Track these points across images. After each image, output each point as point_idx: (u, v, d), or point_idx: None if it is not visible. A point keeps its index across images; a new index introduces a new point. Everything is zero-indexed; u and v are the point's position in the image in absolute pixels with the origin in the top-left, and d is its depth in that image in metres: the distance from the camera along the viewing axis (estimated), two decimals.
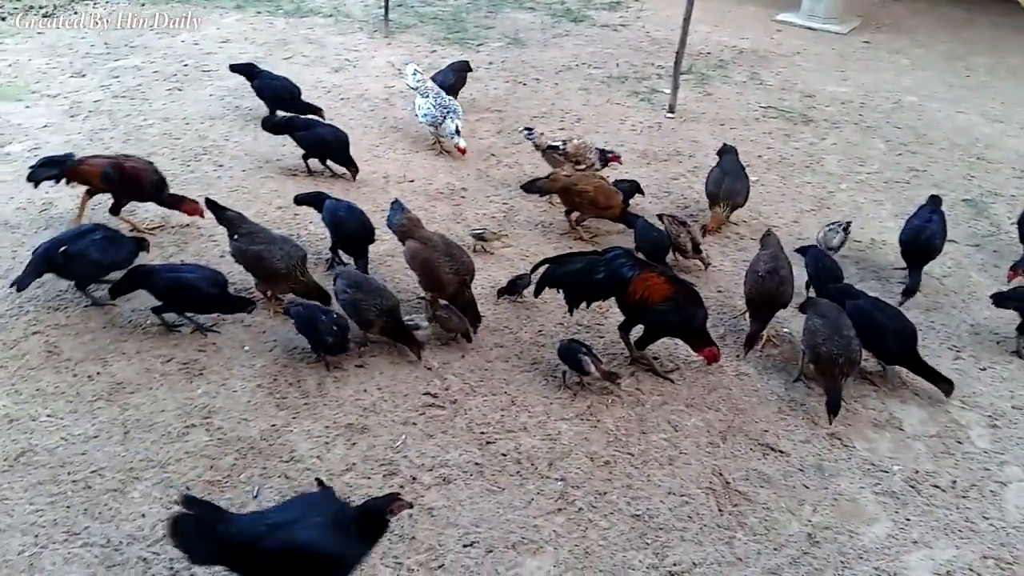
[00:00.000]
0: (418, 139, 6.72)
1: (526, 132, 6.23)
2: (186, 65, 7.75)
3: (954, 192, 6.53)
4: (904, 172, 6.81)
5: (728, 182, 5.70)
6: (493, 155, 6.66)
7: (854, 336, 4.23)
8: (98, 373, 4.11)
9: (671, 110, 7.56)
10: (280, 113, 6.41)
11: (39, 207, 5.39)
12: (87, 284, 4.57)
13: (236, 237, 4.60)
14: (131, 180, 5.07)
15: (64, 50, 7.88)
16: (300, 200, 5.19)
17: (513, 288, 4.87)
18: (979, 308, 5.15)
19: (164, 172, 5.19)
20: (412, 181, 6.13)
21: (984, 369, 4.69)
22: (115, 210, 5.20)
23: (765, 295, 4.55)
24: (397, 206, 4.87)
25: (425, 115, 6.35)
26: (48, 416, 3.84)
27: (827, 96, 8.21)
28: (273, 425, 3.91)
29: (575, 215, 5.62)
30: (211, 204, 4.73)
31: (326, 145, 5.97)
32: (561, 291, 4.52)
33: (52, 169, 5.11)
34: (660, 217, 5.41)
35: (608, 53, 9.00)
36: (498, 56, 8.67)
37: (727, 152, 5.98)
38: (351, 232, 4.92)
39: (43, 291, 4.61)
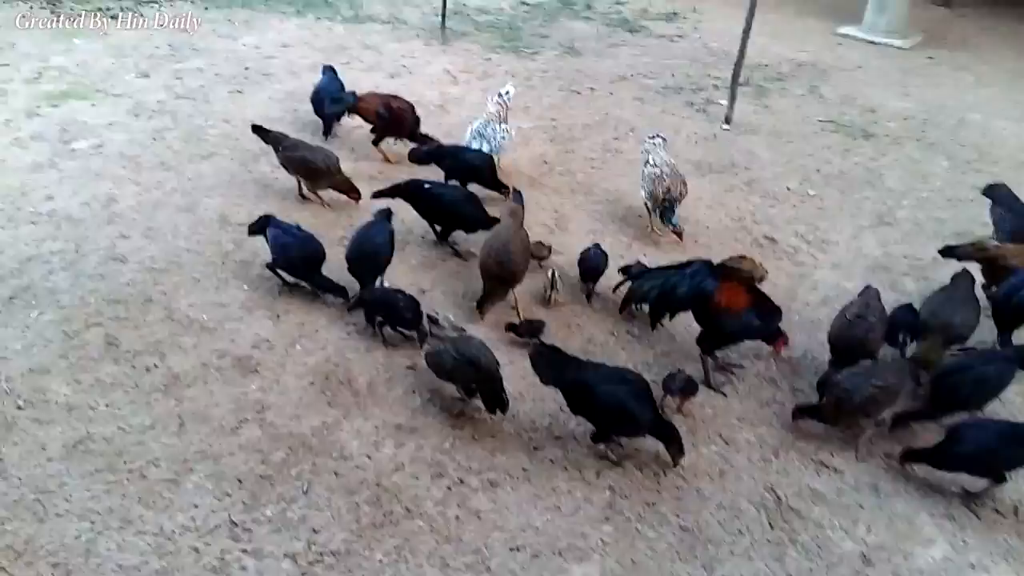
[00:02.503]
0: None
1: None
2: (247, 68, 7.92)
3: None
4: (967, 190, 6.65)
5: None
6: (546, 163, 6.68)
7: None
8: (155, 365, 4.21)
9: (727, 121, 7.50)
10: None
11: (103, 202, 5.55)
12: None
13: (282, 149, 5.59)
14: (397, 118, 6.31)
15: (130, 51, 8.12)
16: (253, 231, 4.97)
17: (526, 331, 4.61)
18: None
19: (223, 172, 5.32)
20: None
21: None
22: (377, 141, 6.44)
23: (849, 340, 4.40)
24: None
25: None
26: (106, 406, 3.94)
27: (888, 111, 8.07)
28: (324, 422, 3.96)
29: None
30: (256, 128, 5.72)
31: (473, 169, 5.91)
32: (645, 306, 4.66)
33: (341, 106, 6.46)
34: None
35: (664, 64, 8.97)
36: (553, 65, 8.71)
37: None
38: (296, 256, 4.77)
39: (105, 284, 4.74)
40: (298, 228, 4.84)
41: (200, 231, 5.33)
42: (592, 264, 4.99)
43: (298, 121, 6.84)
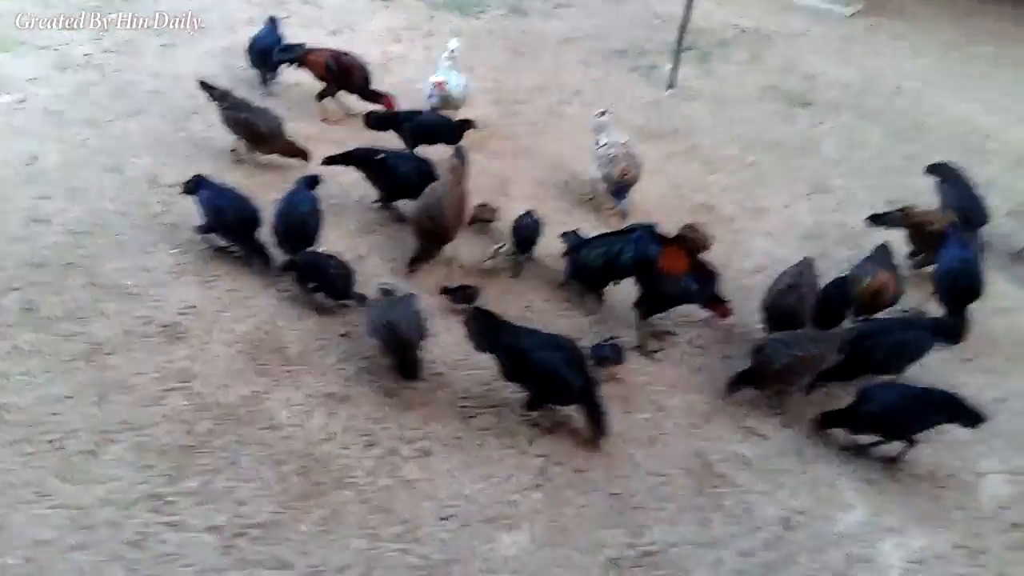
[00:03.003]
0: (416, 103, 6.61)
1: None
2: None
3: None
4: (901, 159, 6.75)
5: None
6: (489, 125, 6.57)
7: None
8: (76, 333, 4.05)
9: (671, 87, 7.46)
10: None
11: (24, 161, 5.28)
12: None
13: (226, 107, 5.37)
14: (345, 72, 6.09)
15: (56, 1, 7.70)
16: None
17: (461, 298, 4.55)
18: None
19: (152, 130, 5.09)
20: None
21: (967, 360, 4.68)
22: (321, 96, 6.21)
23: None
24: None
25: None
26: (23, 374, 3.78)
27: (828, 79, 8.12)
28: (253, 392, 3.87)
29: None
30: (203, 84, 5.47)
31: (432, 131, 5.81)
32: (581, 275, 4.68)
33: (290, 54, 6.22)
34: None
35: (611, 27, 8.86)
36: (498, 25, 8.53)
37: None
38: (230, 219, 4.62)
39: (24, 247, 4.54)
40: (232, 190, 4.68)
41: (127, 192, 5.12)
42: (526, 233, 4.90)
43: (234, 77, 6.58)
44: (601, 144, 5.52)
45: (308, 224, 4.59)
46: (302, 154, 5.50)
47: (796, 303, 4.42)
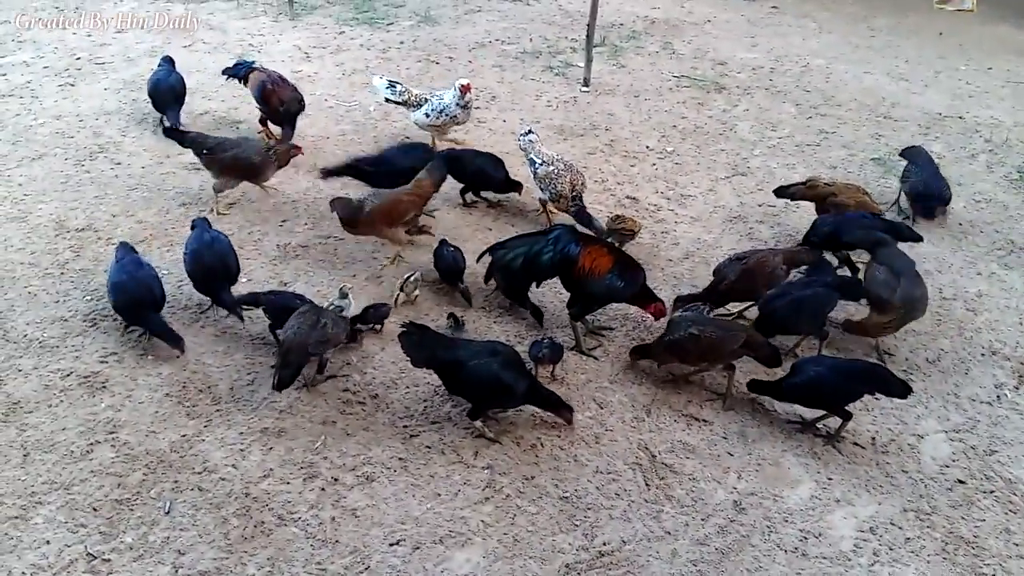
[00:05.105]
0: (330, 123, 6.51)
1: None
2: (78, 59, 7.31)
3: (863, 152, 6.64)
4: (815, 135, 6.89)
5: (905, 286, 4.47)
6: (407, 138, 6.48)
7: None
8: None
9: (586, 84, 7.48)
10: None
11: None
12: None
13: (206, 152, 5.13)
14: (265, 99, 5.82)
15: None
16: None
17: (372, 318, 4.38)
18: None
19: (56, 174, 4.87)
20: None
21: None
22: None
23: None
24: None
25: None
26: None
27: (738, 63, 8.25)
28: (184, 435, 3.73)
29: None
30: (170, 132, 5.36)
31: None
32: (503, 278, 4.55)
33: (236, 70, 6.04)
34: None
35: (521, 28, 8.86)
36: (409, 35, 8.45)
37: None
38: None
39: None
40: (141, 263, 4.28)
41: (34, 240, 4.90)
42: (450, 264, 4.69)
43: (137, 112, 6.38)
44: (539, 165, 5.30)
45: (226, 261, 4.32)
46: (296, 148, 5.37)
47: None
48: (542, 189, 5.32)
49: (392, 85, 6.08)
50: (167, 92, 6.03)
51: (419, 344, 3.86)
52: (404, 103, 6.03)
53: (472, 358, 3.78)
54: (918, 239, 4.97)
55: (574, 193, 5.23)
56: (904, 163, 5.91)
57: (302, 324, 3.90)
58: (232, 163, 5.13)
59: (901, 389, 3.94)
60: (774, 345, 4.22)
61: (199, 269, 4.29)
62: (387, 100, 6.11)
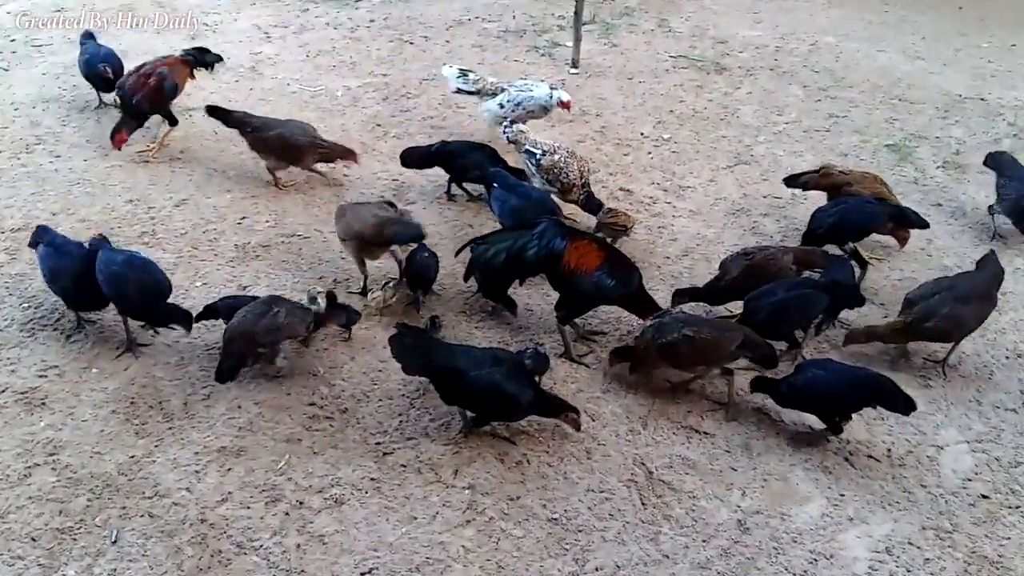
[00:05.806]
0: (294, 109, 6.50)
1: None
2: (13, 40, 7.30)
3: (877, 138, 6.70)
4: (824, 119, 6.94)
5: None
6: (379, 125, 6.50)
7: None
8: None
9: (574, 65, 7.51)
10: None
11: None
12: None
13: (251, 131, 5.41)
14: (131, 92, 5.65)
15: None
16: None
17: (342, 324, 4.38)
18: (905, 261, 5.29)
19: None
20: None
21: None
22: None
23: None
24: None
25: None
26: None
27: (740, 41, 8.30)
28: (132, 456, 3.72)
29: None
30: (213, 110, 5.54)
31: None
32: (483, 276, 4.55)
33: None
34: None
35: (504, 4, 8.88)
36: (380, 12, 8.46)
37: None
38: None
39: None
40: (79, 244, 4.31)
41: None
42: (420, 270, 4.63)
43: (79, 99, 6.36)
44: (540, 155, 5.27)
45: (157, 281, 4.22)
46: (352, 154, 5.52)
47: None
48: (549, 182, 5.28)
49: (464, 74, 6.10)
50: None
51: (413, 349, 3.84)
52: (476, 92, 6.04)
53: (474, 367, 3.77)
54: (925, 225, 5.07)
55: (583, 180, 5.24)
56: (989, 172, 5.76)
57: (249, 312, 3.92)
58: (276, 142, 5.41)
59: (905, 405, 3.97)
60: (772, 345, 4.24)
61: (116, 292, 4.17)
62: (459, 91, 6.11)
